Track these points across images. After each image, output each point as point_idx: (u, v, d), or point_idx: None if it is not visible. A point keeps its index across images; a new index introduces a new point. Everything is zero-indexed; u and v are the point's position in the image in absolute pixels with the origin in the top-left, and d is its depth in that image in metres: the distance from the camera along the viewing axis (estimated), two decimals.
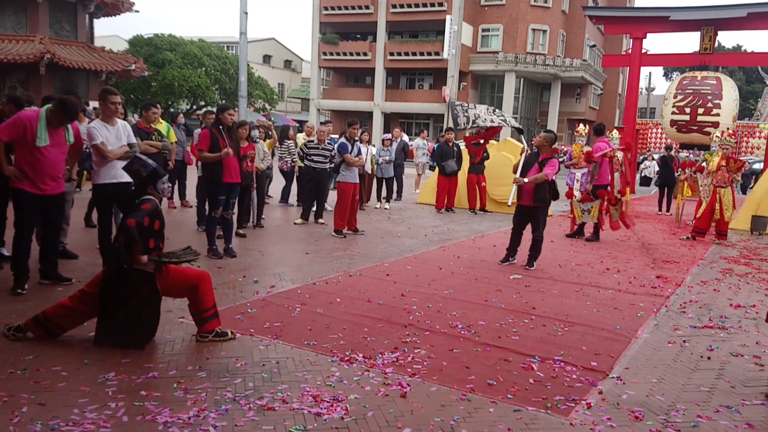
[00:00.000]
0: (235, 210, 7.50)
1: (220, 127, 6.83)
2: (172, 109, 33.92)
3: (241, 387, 3.53)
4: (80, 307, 4.08)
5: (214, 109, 7.73)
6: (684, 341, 4.78)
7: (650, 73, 49.13)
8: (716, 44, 18.56)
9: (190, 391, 3.44)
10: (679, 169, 13.15)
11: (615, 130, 10.26)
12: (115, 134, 5.62)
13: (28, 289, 5.19)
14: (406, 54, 41.68)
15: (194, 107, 36.91)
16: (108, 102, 5.59)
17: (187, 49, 34.44)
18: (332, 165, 9.47)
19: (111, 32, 46.09)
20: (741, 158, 9.99)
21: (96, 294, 4.03)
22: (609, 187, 9.48)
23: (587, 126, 10.35)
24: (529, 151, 7.55)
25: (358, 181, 9.16)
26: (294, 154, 11.15)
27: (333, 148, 9.48)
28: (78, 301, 4.09)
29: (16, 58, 18.64)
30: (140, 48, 33.66)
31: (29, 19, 20.42)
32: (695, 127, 16.93)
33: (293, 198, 11.92)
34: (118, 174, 5.55)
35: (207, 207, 7.35)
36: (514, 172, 7.48)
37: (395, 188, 13.63)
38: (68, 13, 21.55)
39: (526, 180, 7.09)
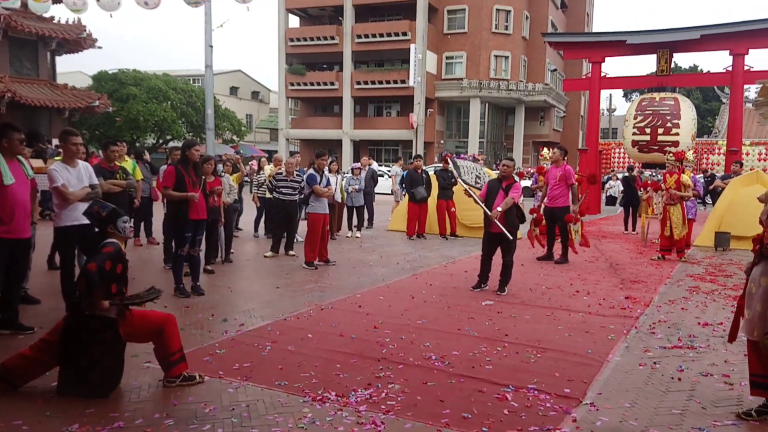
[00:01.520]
0: (203, 246, 7.39)
1: (187, 163, 6.77)
2: (137, 144, 33.59)
3: None
4: (41, 357, 3.95)
5: (180, 145, 7.67)
6: (654, 363, 4.82)
7: (610, 94, 50.47)
8: (673, 65, 19.16)
9: None
10: (641, 189, 13.44)
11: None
12: (77, 176, 5.52)
13: None
14: (373, 83, 42.09)
15: (161, 141, 36.56)
16: (69, 143, 5.50)
17: (152, 83, 34.19)
18: (302, 196, 9.44)
19: (74, 68, 45.68)
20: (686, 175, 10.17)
21: (57, 343, 3.90)
22: (568, 210, 9.65)
23: (551, 149, 10.52)
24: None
25: (327, 211, 9.14)
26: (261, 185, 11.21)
27: (302, 180, 9.46)
28: (38, 350, 3.95)
29: None
30: (104, 83, 33.31)
31: None
32: (656, 147, 17.34)
33: (261, 229, 11.95)
34: (80, 216, 5.43)
35: (173, 245, 7.23)
36: (477, 202, 7.56)
37: (366, 216, 13.63)
38: (29, 51, 21.34)
39: (499, 209, 7.15)
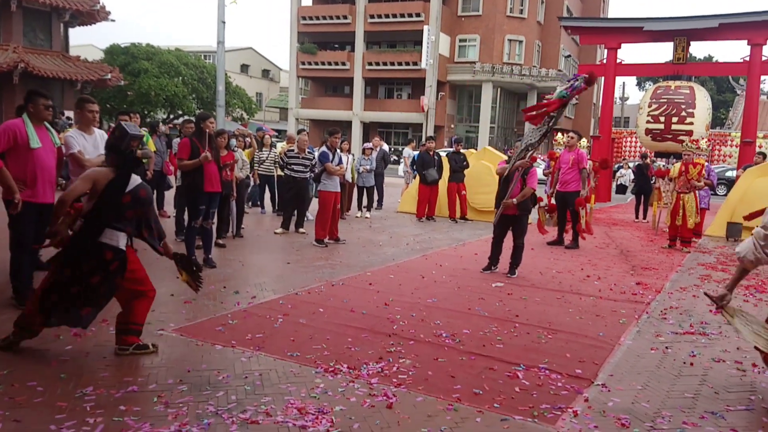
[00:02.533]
0: (215, 220, 7.41)
1: (201, 135, 6.76)
2: (148, 119, 33.62)
3: (224, 400, 3.45)
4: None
5: (193, 118, 7.66)
6: (666, 347, 4.80)
7: (624, 82, 49.87)
8: (689, 55, 18.92)
9: (171, 405, 3.36)
10: (654, 177, 13.35)
11: (583, 138, 10.44)
12: (93, 143, 5.51)
13: (3, 304, 5.04)
14: (384, 64, 41.83)
15: (171, 116, 36.58)
16: (85, 110, 5.49)
17: (164, 58, 34.18)
18: (312, 174, 9.42)
19: (87, 41, 45.57)
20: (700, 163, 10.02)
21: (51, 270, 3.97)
22: (578, 194, 9.59)
23: (565, 134, 10.42)
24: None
25: (339, 190, 9.12)
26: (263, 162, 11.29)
27: (313, 157, 9.43)
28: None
29: None
30: (117, 57, 33.32)
31: (3, 28, 20.13)
32: (669, 136, 17.19)
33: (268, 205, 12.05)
34: None
35: (186, 217, 7.25)
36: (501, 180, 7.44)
37: (376, 197, 13.61)
38: (43, 22, 21.28)
39: (515, 201, 7.09)
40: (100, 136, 5.66)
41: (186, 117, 29.81)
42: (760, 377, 4.24)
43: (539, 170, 11.12)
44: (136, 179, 4.04)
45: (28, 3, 19.93)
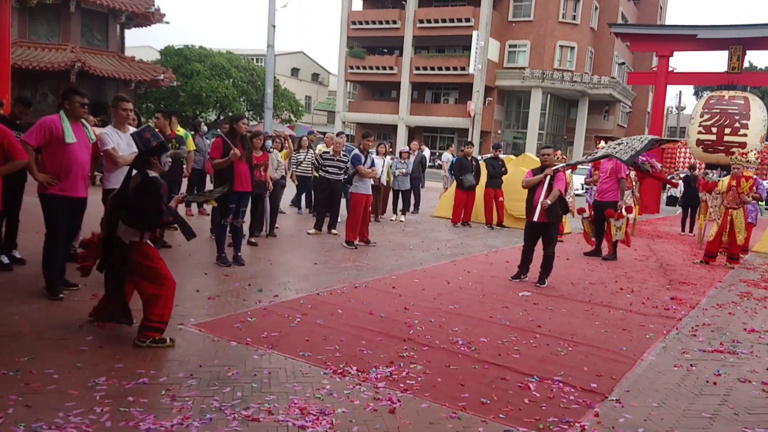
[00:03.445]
0: (247, 218, 7.53)
1: (234, 135, 6.89)
2: (199, 119, 34.49)
3: (229, 396, 3.50)
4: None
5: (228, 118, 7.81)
6: (691, 365, 4.63)
7: (680, 92, 48.48)
8: (747, 64, 18.23)
9: (177, 398, 3.42)
10: (702, 190, 12.88)
11: None
12: (126, 141, 5.68)
13: (35, 294, 5.25)
14: (432, 69, 41.77)
15: (221, 117, 37.41)
16: (119, 108, 5.67)
17: (216, 60, 35.01)
18: (347, 176, 9.48)
19: (144, 43, 47.11)
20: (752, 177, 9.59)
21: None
22: (616, 204, 9.37)
23: (607, 142, 10.18)
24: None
25: (370, 192, 9.15)
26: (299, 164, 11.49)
27: (348, 160, 9.49)
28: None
29: (48, 66, 19.10)
30: (170, 58, 34.32)
31: (62, 28, 20.95)
32: (721, 147, 16.60)
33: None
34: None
35: (218, 214, 7.39)
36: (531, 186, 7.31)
37: (412, 201, 13.58)
38: (100, 23, 22.05)
39: (549, 202, 6.96)
40: None
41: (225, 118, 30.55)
42: None
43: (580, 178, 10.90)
44: (144, 173, 4.22)
45: (86, 4, 20.68)
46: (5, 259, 6.05)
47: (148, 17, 23.07)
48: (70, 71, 19.21)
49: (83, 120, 5.39)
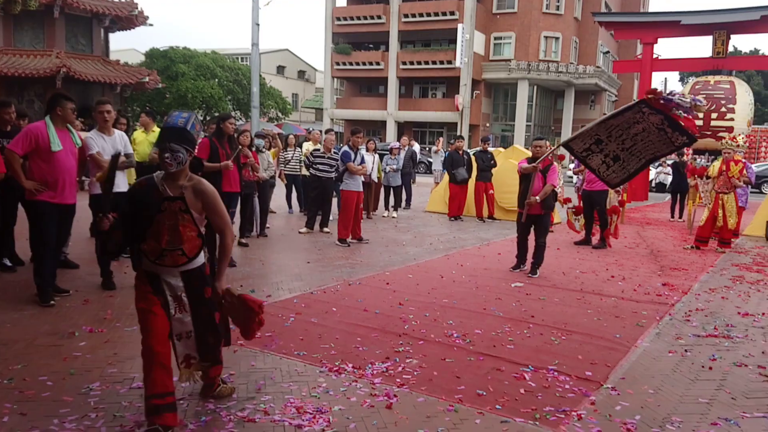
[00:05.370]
0: (237, 219, 7.49)
1: (221, 135, 6.85)
2: None
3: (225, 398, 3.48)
4: None
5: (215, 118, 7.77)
6: (686, 350, 4.65)
7: (665, 78, 48.95)
8: (732, 48, 18.33)
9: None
10: (690, 176, 12.95)
11: None
12: (111, 144, 5.63)
13: (26, 301, 5.20)
14: (419, 63, 41.73)
15: (208, 118, 37.22)
16: (97, 111, 5.62)
17: (201, 61, 34.80)
18: (337, 173, 9.45)
19: (129, 46, 46.73)
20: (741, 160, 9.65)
21: None
22: (608, 194, 9.44)
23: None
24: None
25: (361, 189, 9.12)
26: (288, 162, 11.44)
27: (338, 157, 9.45)
28: None
29: (34, 72, 18.94)
30: (156, 60, 34.07)
31: (46, 34, 20.77)
32: (709, 132, 16.65)
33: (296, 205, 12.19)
34: (116, 183, 5.56)
35: None
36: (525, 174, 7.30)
37: (404, 197, 13.57)
38: (84, 28, 21.88)
39: (537, 198, 6.98)
40: (119, 137, 5.79)
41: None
42: None
43: (568, 170, 10.94)
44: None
45: (70, 10, 20.49)
46: (8, 262, 6.07)
47: (132, 20, 22.91)
48: (55, 77, 19.06)
49: (68, 125, 5.34)
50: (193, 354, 3.33)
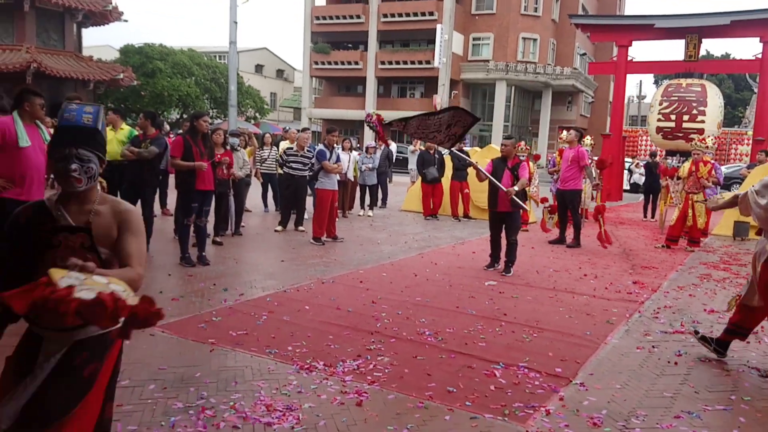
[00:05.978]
0: (211, 218, 7.44)
1: (195, 133, 6.79)
2: (159, 118, 33.90)
3: (194, 397, 3.46)
4: None
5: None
6: (653, 346, 4.73)
7: (641, 81, 49.47)
8: (705, 52, 18.69)
9: (140, 402, 3.37)
10: (663, 176, 13.16)
11: (588, 136, 10.35)
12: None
13: None
14: (397, 63, 41.78)
15: (184, 116, 36.86)
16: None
17: (177, 58, 34.45)
18: (312, 172, 9.43)
19: (103, 42, 46.04)
20: (710, 162, 9.86)
21: None
22: (582, 194, 9.59)
23: (568, 131, 10.32)
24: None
25: (336, 188, 9.12)
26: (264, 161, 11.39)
27: (312, 155, 9.43)
28: None
29: (2, 67, 18.57)
30: (131, 57, 33.61)
31: (16, 28, 20.38)
32: (680, 134, 16.97)
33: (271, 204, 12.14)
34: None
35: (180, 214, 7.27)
36: (481, 180, 7.50)
37: (380, 196, 13.59)
38: (56, 23, 21.51)
39: (516, 189, 7.06)
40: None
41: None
42: (744, 376, 4.16)
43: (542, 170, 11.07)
44: None
45: (41, 3, 20.15)
46: None
47: (106, 15, 22.58)
48: (26, 72, 18.72)
49: (37, 121, 5.24)
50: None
